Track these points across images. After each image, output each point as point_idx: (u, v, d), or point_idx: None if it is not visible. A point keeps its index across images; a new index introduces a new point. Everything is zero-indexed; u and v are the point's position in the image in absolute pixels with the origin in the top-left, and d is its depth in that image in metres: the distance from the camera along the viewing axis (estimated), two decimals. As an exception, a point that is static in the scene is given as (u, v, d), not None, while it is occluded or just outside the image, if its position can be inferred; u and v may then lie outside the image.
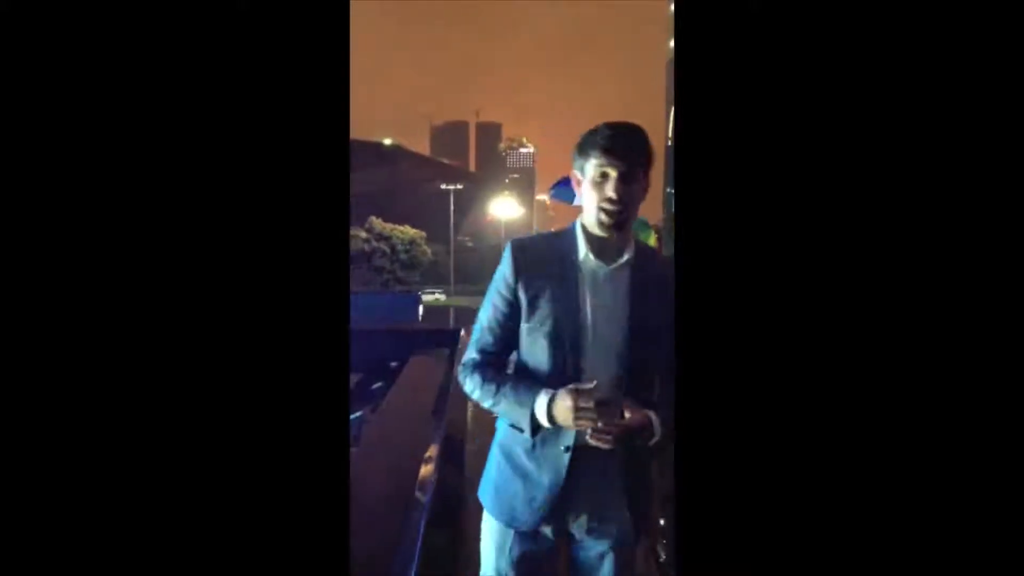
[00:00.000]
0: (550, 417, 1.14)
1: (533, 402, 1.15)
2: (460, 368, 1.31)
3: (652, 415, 1.15)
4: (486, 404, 1.24)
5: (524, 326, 1.24)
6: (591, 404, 1.09)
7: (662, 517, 2.69)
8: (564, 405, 1.10)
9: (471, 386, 1.27)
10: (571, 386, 1.12)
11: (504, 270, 1.25)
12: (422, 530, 1.52)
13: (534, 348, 1.23)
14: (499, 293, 1.26)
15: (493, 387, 1.22)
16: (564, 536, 1.25)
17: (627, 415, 1.13)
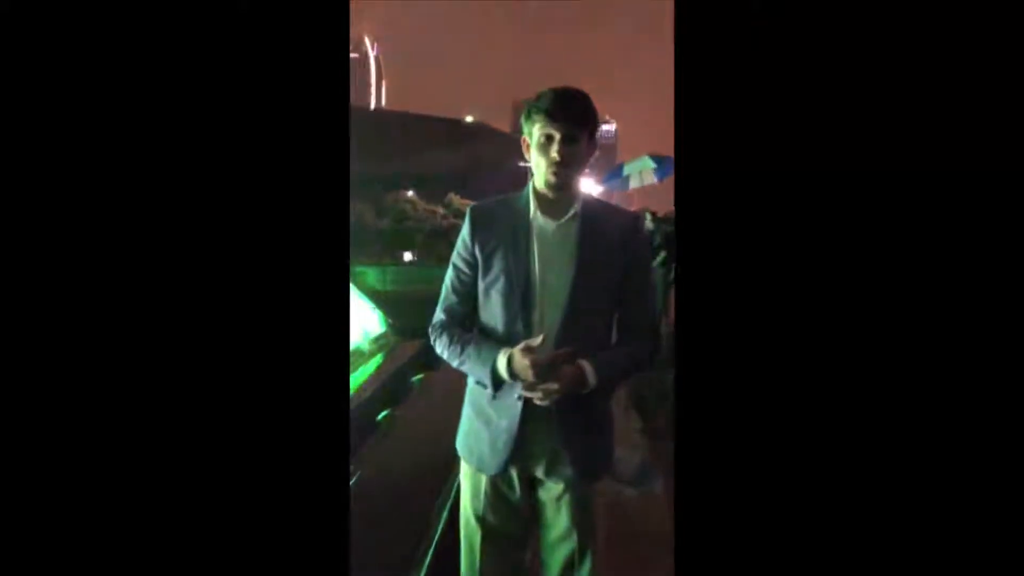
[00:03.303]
0: (511, 373, 1.24)
1: (494, 361, 1.26)
2: (430, 329, 1.41)
3: (586, 364, 1.24)
4: (454, 363, 1.36)
5: (480, 284, 1.34)
6: (547, 358, 1.19)
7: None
8: (522, 363, 1.21)
9: (440, 347, 1.38)
10: (521, 344, 1.22)
11: (463, 233, 1.35)
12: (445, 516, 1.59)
13: (489, 304, 1.33)
14: (459, 254, 1.37)
15: (459, 347, 1.33)
16: (529, 480, 1.39)
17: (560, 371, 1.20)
